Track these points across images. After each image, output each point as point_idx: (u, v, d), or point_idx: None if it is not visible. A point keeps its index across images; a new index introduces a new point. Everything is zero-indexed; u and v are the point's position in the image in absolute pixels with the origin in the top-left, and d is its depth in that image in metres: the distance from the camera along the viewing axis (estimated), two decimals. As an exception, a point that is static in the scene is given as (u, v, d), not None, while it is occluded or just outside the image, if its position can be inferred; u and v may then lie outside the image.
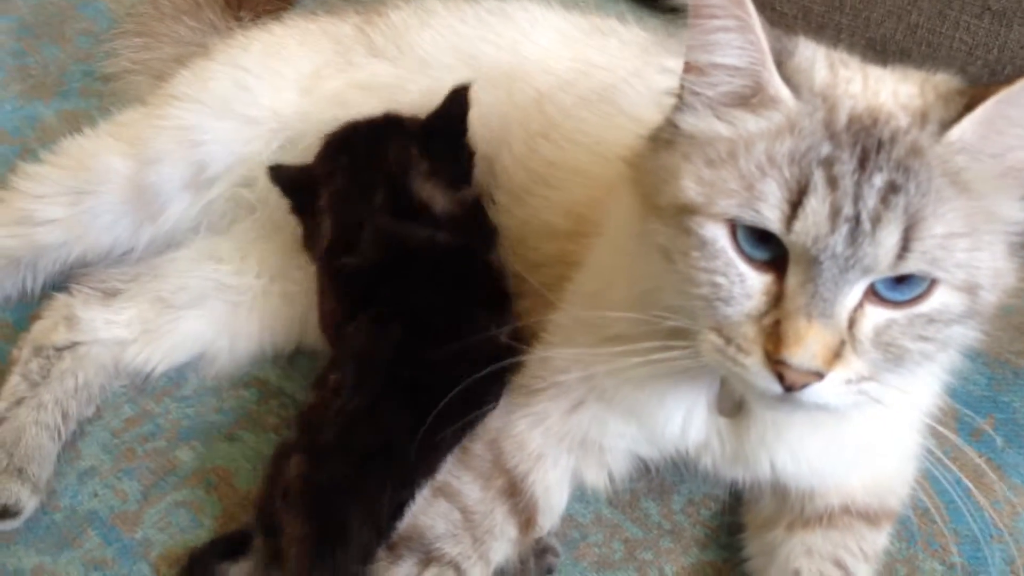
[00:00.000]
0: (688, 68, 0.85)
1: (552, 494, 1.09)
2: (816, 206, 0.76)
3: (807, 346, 0.78)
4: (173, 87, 1.40)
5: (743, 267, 0.81)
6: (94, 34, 1.92)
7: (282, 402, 1.31)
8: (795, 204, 0.77)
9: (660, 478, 1.19)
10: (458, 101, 1.16)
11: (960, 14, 1.59)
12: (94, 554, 1.15)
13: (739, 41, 0.81)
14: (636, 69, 1.28)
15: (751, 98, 0.82)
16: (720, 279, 0.81)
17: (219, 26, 1.67)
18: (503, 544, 1.06)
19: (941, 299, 0.80)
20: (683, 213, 0.82)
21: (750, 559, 1.10)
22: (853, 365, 0.80)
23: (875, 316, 0.80)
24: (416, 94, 1.29)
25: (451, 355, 1.05)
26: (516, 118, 1.29)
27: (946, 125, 0.79)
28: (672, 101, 0.89)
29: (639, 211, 0.90)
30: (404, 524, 1.05)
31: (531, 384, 1.08)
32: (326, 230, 1.17)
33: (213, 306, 1.35)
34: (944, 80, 0.87)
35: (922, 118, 0.80)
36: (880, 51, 1.67)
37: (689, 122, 0.85)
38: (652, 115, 1.20)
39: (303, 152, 1.27)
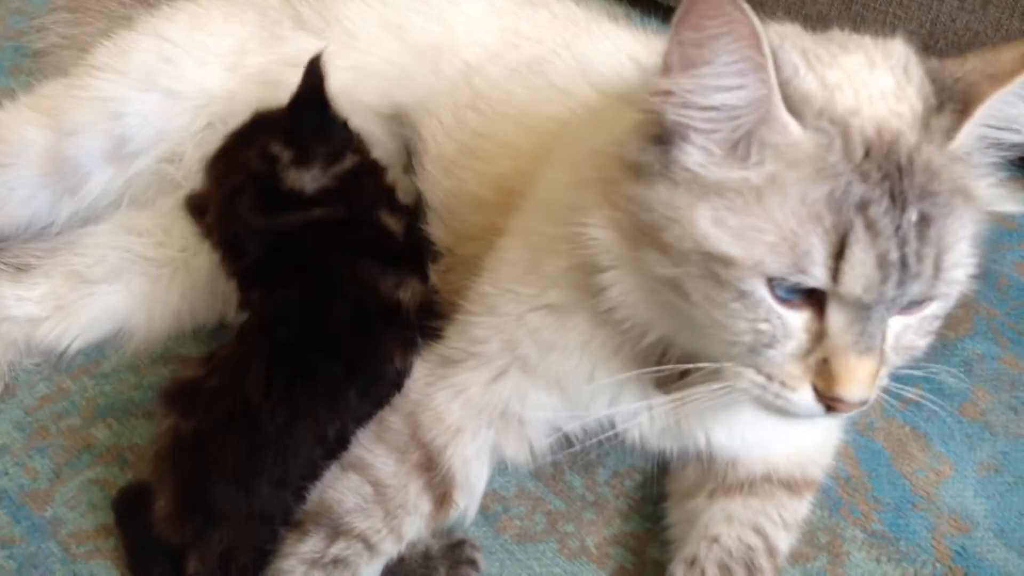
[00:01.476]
0: (681, 102, 0.78)
1: (471, 468, 1.07)
2: (862, 256, 0.75)
3: (859, 381, 0.79)
4: (94, 57, 1.36)
5: (784, 311, 0.79)
6: (27, 13, 1.89)
7: (203, 379, 1.28)
8: (838, 255, 0.75)
9: (585, 451, 1.17)
10: (313, 74, 1.14)
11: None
12: (2, 532, 1.12)
13: (750, 82, 0.75)
14: (566, 41, 1.27)
15: (759, 132, 0.77)
16: (763, 326, 0.79)
17: (151, 0, 1.64)
18: (416, 519, 1.04)
19: (944, 295, 0.81)
20: (711, 261, 0.78)
21: (671, 527, 1.09)
22: (883, 376, 0.82)
23: (895, 326, 0.82)
24: (344, 70, 1.25)
25: (336, 314, 1.05)
26: (444, 89, 1.27)
27: (947, 135, 0.78)
28: (639, 115, 0.83)
29: (619, 235, 0.85)
30: (311, 499, 1.03)
31: (450, 355, 1.05)
32: (215, 246, 1.16)
33: (131, 280, 1.31)
34: (904, 60, 0.84)
35: (926, 129, 0.78)
36: (815, 28, 1.66)
37: (696, 162, 0.78)
38: (581, 88, 1.20)
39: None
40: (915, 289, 0.76)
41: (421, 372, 1.08)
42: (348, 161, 1.14)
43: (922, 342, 0.84)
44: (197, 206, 1.16)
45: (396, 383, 1.08)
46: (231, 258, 1.13)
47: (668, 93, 0.78)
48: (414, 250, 1.14)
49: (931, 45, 1.57)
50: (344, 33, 1.33)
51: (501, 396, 1.05)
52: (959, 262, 0.78)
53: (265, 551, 1.01)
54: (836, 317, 0.78)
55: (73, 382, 1.28)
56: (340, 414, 1.04)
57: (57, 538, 1.11)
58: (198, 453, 1.01)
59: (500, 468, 1.14)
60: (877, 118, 0.78)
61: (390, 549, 1.03)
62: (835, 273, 0.75)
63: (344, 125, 1.17)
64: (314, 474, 1.04)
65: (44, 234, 1.35)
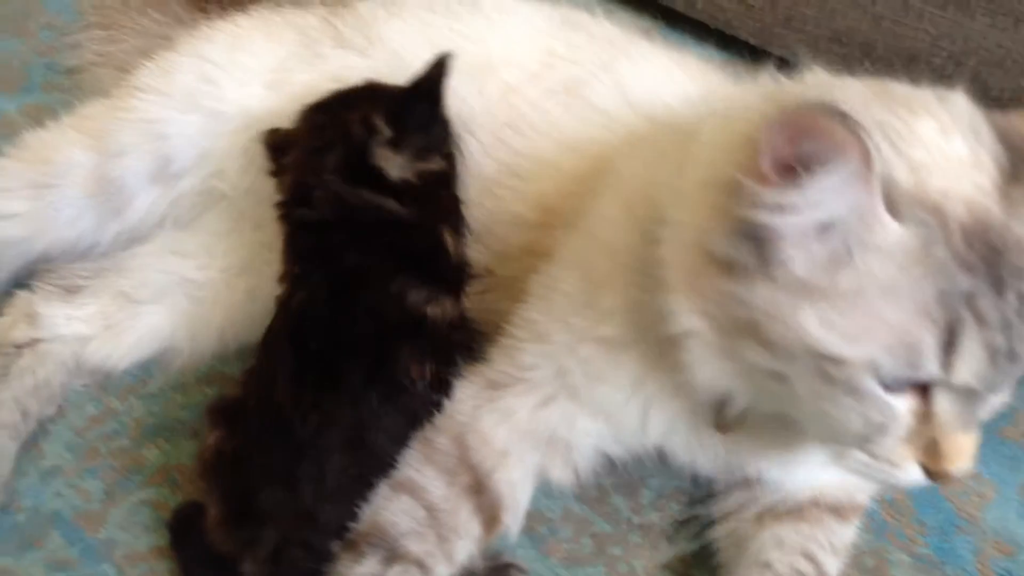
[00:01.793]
0: (778, 212, 0.77)
1: (517, 490, 1.08)
2: (973, 349, 0.76)
3: (966, 456, 0.82)
4: (137, 79, 1.37)
5: (893, 399, 0.80)
6: (57, 28, 1.89)
7: (247, 398, 1.30)
8: (949, 347, 0.76)
9: (628, 473, 1.18)
10: (438, 68, 1.15)
11: (924, 5, 1.59)
12: (57, 555, 1.13)
13: (854, 193, 0.75)
14: (604, 62, 1.27)
15: (860, 235, 0.76)
16: (873, 416, 0.80)
17: (185, 19, 1.64)
18: (467, 543, 1.05)
19: None
20: (821, 361, 0.78)
21: (719, 551, 1.10)
22: None
23: (994, 397, 0.83)
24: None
25: (358, 319, 1.07)
26: (484, 108, 1.28)
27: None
28: (718, 198, 0.81)
29: (710, 324, 0.84)
30: (364, 520, 1.04)
31: (497, 379, 1.07)
32: (285, 187, 1.18)
33: (176, 301, 1.33)
34: (972, 120, 0.83)
35: (1009, 202, 0.78)
36: (845, 43, 1.68)
37: (797, 267, 0.77)
38: (621, 110, 1.22)
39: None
40: (1019, 370, 0.78)
41: (467, 394, 1.09)
42: (435, 164, 1.15)
43: (1007, 398, 0.85)
44: (278, 144, 1.19)
45: (430, 400, 1.08)
46: (292, 205, 1.15)
47: (765, 202, 0.77)
48: (459, 272, 1.15)
49: (963, 63, 1.58)
50: (388, 52, 1.34)
51: (548, 422, 1.07)
52: None
53: (319, 559, 1.03)
54: (943, 402, 0.80)
55: (121, 403, 1.30)
56: (365, 421, 1.05)
57: (112, 560, 1.13)
58: (241, 463, 1.03)
59: (545, 490, 1.15)
60: (965, 197, 0.77)
61: (443, 573, 1.04)
62: (946, 366, 0.76)
63: (446, 127, 1.18)
64: (355, 487, 1.05)
65: (90, 254, 1.36)
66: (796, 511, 1.07)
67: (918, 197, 0.76)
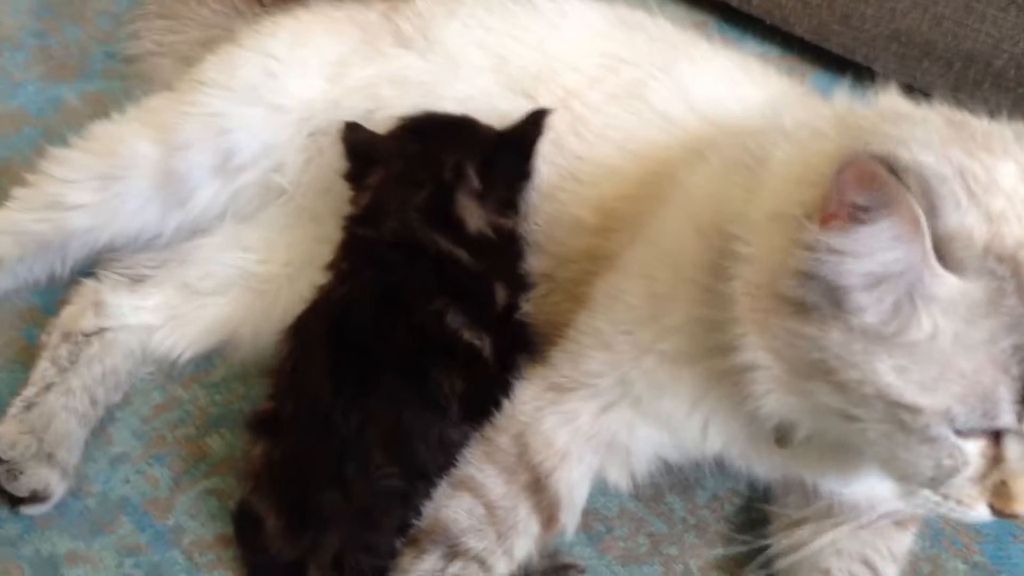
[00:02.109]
0: (838, 258, 0.78)
1: (575, 491, 1.10)
2: None
3: None
4: (200, 73, 1.40)
5: (965, 444, 0.81)
6: (114, 14, 1.92)
7: (307, 390, 1.32)
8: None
9: (683, 473, 1.20)
10: (535, 125, 1.18)
11: (986, 7, 1.58)
12: (127, 540, 1.17)
13: (906, 248, 0.76)
14: (664, 64, 1.28)
15: (923, 288, 0.77)
16: (945, 460, 0.81)
17: (243, 10, 1.66)
18: (526, 540, 1.07)
19: None
20: (896, 408, 0.79)
21: (777, 556, 1.11)
22: None
23: None
24: (451, 101, 1.28)
25: (399, 327, 1.09)
26: None
27: None
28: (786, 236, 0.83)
29: (780, 363, 0.85)
30: (426, 517, 1.06)
31: (561, 383, 1.08)
32: (360, 204, 1.20)
33: (239, 294, 1.36)
34: None
35: None
36: (904, 43, 1.66)
37: (867, 316, 0.78)
38: (682, 114, 1.22)
39: (335, 141, 1.27)
40: None
41: (530, 395, 1.11)
42: (511, 221, 1.18)
43: None
44: (360, 149, 1.21)
45: (459, 415, 1.10)
46: (360, 222, 1.17)
47: (825, 246, 0.79)
48: (502, 322, 1.16)
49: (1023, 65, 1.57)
50: (447, 58, 1.34)
51: (610, 427, 1.08)
52: None
53: (382, 561, 1.05)
54: (1014, 447, 0.80)
55: (185, 391, 1.33)
56: (404, 423, 1.07)
57: (180, 547, 1.16)
58: (291, 470, 1.06)
59: (601, 488, 1.16)
60: None
61: (503, 570, 1.06)
62: (1021, 416, 0.77)
63: (528, 183, 1.21)
64: (403, 486, 1.06)
65: (153, 244, 1.39)
66: (855, 518, 1.08)
67: (993, 249, 0.76)
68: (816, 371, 0.82)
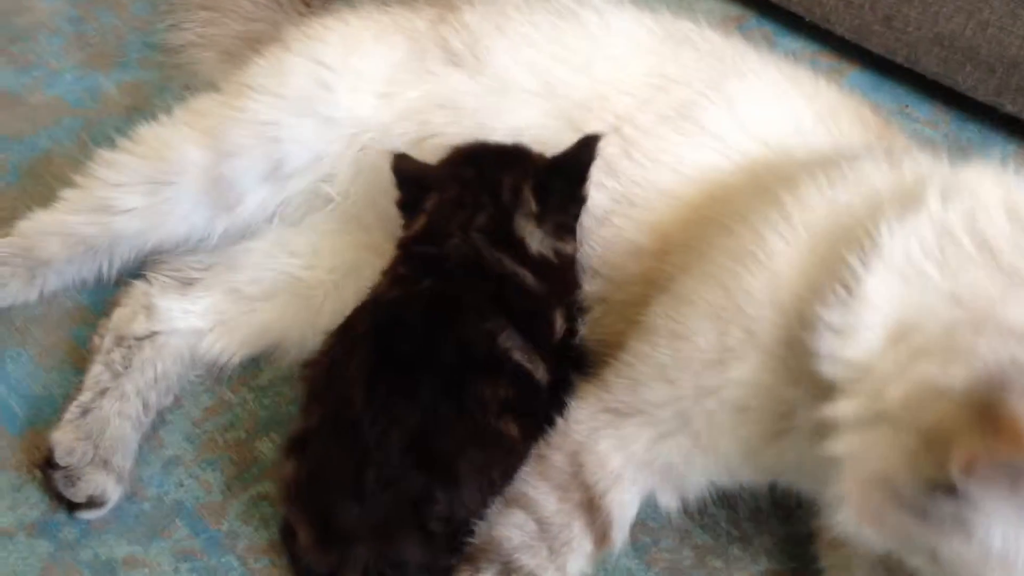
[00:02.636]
0: (984, 484, 0.79)
1: (626, 511, 1.11)
2: None
3: None
4: (250, 77, 1.39)
5: None
6: (150, 1, 1.92)
7: (354, 394, 1.34)
8: None
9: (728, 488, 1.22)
10: (587, 149, 1.18)
11: (1032, 14, 1.57)
12: (183, 544, 1.20)
13: None
14: (714, 81, 1.27)
15: None
16: None
17: (285, 5, 1.66)
18: (579, 558, 1.09)
19: None
20: None
21: (828, 570, 1.14)
22: None
23: None
24: (503, 131, 1.27)
25: (448, 338, 1.10)
26: None
27: None
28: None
29: (878, 536, 0.89)
30: (479, 535, 1.08)
31: (618, 407, 1.09)
32: (416, 227, 1.21)
33: (286, 299, 1.38)
34: None
35: None
36: (947, 47, 1.66)
37: (999, 540, 0.80)
38: (734, 135, 1.22)
39: (382, 158, 1.27)
40: None
41: (584, 415, 1.11)
42: (571, 247, 1.19)
43: None
44: (412, 178, 1.22)
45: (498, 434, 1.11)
46: (420, 242, 1.19)
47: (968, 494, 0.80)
48: (559, 349, 1.17)
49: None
50: (496, 80, 1.34)
51: (666, 455, 1.09)
52: None
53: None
54: None
55: (234, 395, 1.35)
56: (430, 432, 1.07)
57: (235, 552, 1.19)
58: (316, 483, 1.07)
59: (648, 499, 1.17)
60: None
61: None
62: None
63: (582, 209, 1.21)
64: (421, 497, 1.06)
65: (201, 247, 1.41)
66: None
67: None
68: (918, 552, 0.86)
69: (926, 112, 1.79)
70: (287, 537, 1.14)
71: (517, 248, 1.16)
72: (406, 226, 1.22)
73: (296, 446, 1.11)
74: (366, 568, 1.05)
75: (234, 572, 1.17)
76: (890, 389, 0.87)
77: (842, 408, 0.90)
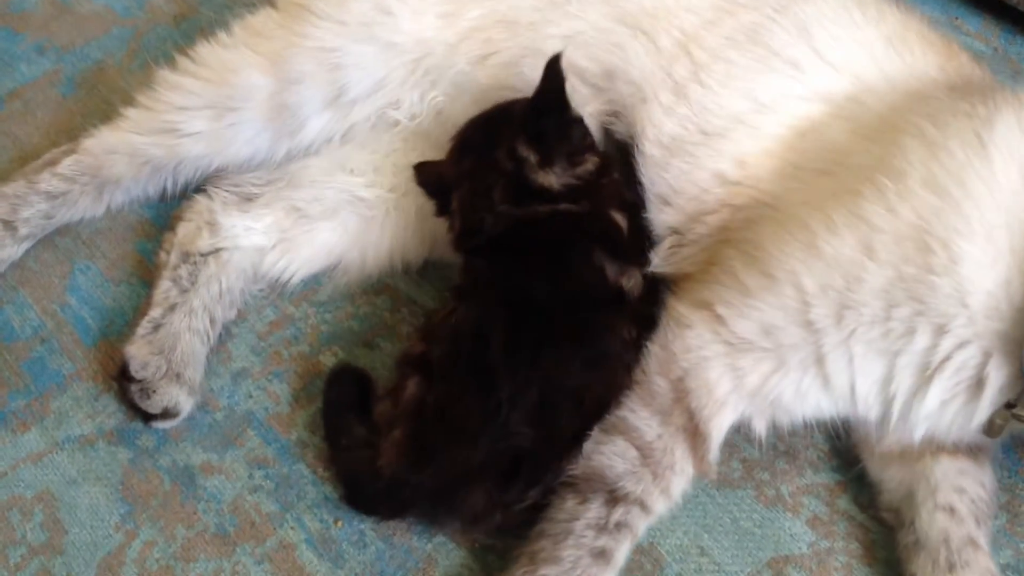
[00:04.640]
0: None
1: (723, 435, 1.14)
2: None
3: None
4: (312, 2, 1.39)
5: None
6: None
7: (412, 311, 1.39)
8: None
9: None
10: (553, 76, 1.17)
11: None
12: (256, 453, 1.26)
13: None
14: (781, 4, 1.25)
15: None
16: None
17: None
18: (682, 480, 1.11)
19: None
20: None
21: (889, 483, 1.17)
22: None
23: None
24: (557, 40, 1.27)
25: (560, 289, 1.14)
26: (660, 65, 1.26)
27: None
28: None
29: None
30: (581, 464, 1.09)
31: (736, 343, 1.09)
32: (456, 227, 1.24)
33: (347, 218, 1.41)
34: None
35: None
36: None
37: None
38: (808, 58, 1.19)
39: (450, 84, 1.28)
40: None
41: (695, 343, 1.11)
42: (590, 163, 1.21)
43: None
44: (434, 185, 1.25)
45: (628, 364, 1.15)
46: (468, 237, 1.22)
47: None
48: (636, 243, 1.21)
49: None
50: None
51: (778, 391, 1.10)
52: None
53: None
54: None
55: (296, 309, 1.40)
56: (564, 379, 1.11)
57: (305, 461, 1.25)
58: (438, 419, 1.11)
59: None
60: None
61: (662, 508, 1.11)
62: None
63: (581, 123, 1.22)
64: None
65: (262, 167, 1.44)
66: (966, 448, 1.14)
67: None
68: None
69: (975, 25, 1.77)
70: (340, 382, 1.24)
71: (543, 193, 1.19)
72: (449, 228, 1.25)
73: (418, 366, 1.15)
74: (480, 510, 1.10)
75: (305, 480, 1.23)
76: None
77: None
